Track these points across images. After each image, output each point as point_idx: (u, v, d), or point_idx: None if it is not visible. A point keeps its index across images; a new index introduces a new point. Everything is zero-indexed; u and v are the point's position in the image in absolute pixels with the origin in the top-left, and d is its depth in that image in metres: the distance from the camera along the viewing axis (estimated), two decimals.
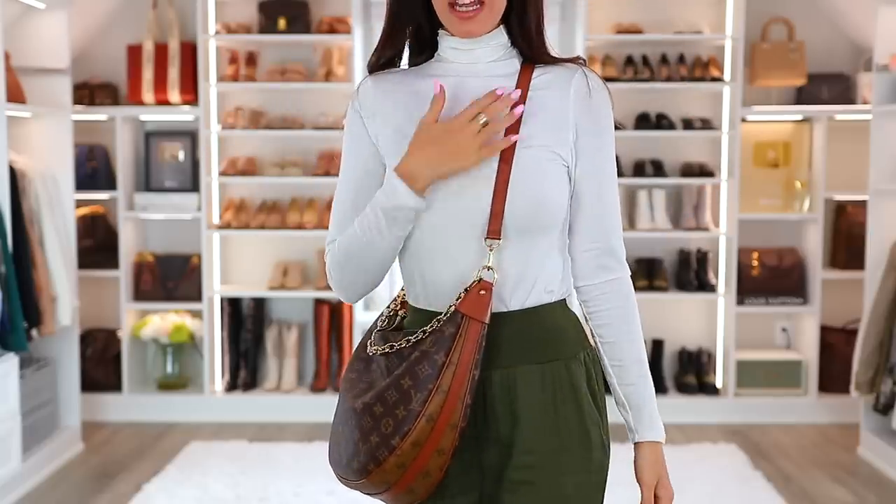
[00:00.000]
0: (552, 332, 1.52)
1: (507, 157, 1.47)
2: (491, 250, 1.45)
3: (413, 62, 1.60)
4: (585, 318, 1.58)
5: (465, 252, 1.48)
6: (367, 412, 1.45)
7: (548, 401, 1.49)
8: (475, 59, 1.54)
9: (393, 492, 1.46)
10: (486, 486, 1.52)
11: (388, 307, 1.59)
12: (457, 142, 1.43)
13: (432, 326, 1.45)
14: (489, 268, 1.45)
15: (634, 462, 1.55)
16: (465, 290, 1.45)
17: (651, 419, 1.55)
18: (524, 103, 1.47)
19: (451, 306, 1.45)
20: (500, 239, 1.45)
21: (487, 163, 1.47)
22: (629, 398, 1.55)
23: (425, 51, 1.59)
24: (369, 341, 1.53)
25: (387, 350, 1.48)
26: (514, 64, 1.55)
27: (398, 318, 1.57)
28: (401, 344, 1.47)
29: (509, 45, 1.55)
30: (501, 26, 1.54)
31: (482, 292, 1.44)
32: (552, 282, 1.53)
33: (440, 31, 1.56)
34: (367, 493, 1.49)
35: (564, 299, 1.56)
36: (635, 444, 1.55)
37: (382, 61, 1.59)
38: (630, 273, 1.57)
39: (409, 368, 1.44)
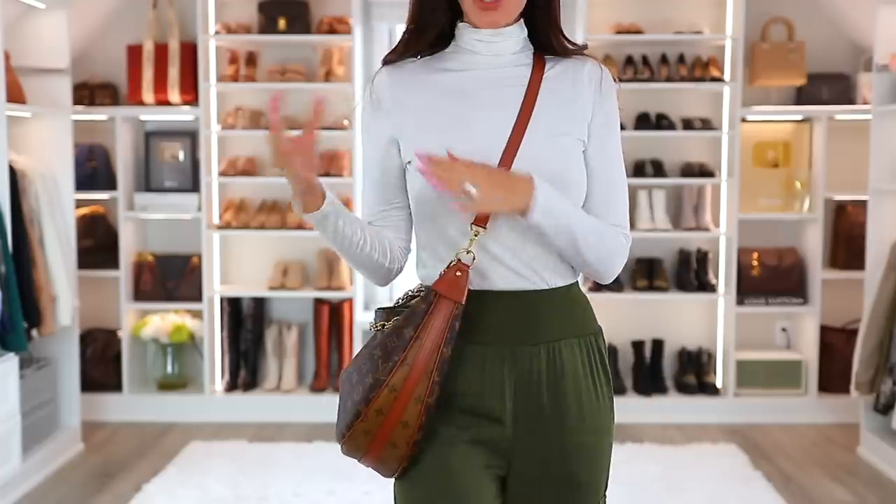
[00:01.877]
0: (582, 307, 1.63)
1: (507, 157, 1.52)
2: (475, 237, 1.51)
3: (426, 53, 1.62)
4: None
5: (452, 242, 1.55)
6: (347, 381, 1.55)
7: (587, 371, 1.59)
8: (498, 52, 1.59)
9: (369, 459, 1.54)
10: (520, 455, 1.56)
11: (408, 290, 1.64)
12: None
13: (411, 304, 1.53)
14: (469, 251, 1.51)
15: None
16: (444, 270, 1.52)
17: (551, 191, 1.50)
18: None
19: (429, 285, 1.53)
20: (485, 227, 1.51)
21: (490, 157, 1.51)
22: None
23: (440, 42, 1.62)
24: (373, 319, 1.62)
25: (378, 327, 1.57)
26: (528, 56, 1.61)
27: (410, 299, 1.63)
28: (390, 322, 1.55)
29: (526, 38, 1.62)
30: (521, 20, 1.60)
31: (458, 273, 1.51)
32: None
33: (460, 24, 1.60)
34: (356, 459, 1.56)
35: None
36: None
37: (401, 58, 1.62)
38: (630, 244, 1.63)
39: (382, 341, 1.52)
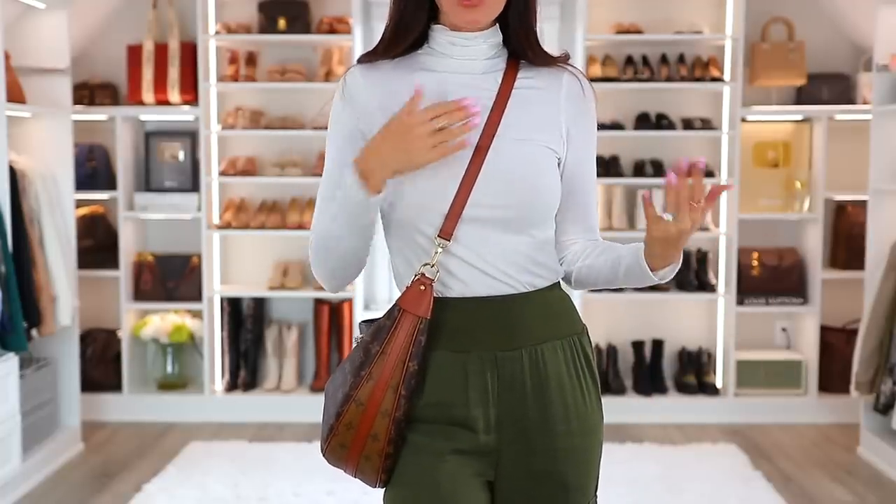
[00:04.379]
0: (564, 308, 1.61)
1: (475, 164, 1.50)
2: (440, 249, 1.51)
3: (402, 54, 1.60)
4: (571, 276, 1.64)
5: (422, 249, 1.54)
6: (326, 394, 1.58)
7: (572, 373, 1.58)
8: (471, 56, 1.57)
9: (350, 471, 1.57)
10: (507, 461, 1.55)
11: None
12: (410, 139, 1.44)
13: (378, 319, 1.54)
14: (432, 265, 1.51)
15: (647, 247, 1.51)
16: (409, 285, 1.52)
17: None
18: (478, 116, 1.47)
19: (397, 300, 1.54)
20: (449, 240, 1.51)
21: (458, 165, 1.50)
22: (624, 254, 1.56)
23: (416, 44, 1.59)
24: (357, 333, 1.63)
25: (358, 341, 1.57)
26: (502, 62, 1.59)
27: None
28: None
29: (501, 43, 1.59)
30: (497, 25, 1.57)
31: (422, 287, 1.51)
32: (554, 262, 1.61)
33: (434, 25, 1.57)
34: (344, 472, 1.59)
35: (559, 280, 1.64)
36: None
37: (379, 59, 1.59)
38: None
39: (350, 356, 1.54)
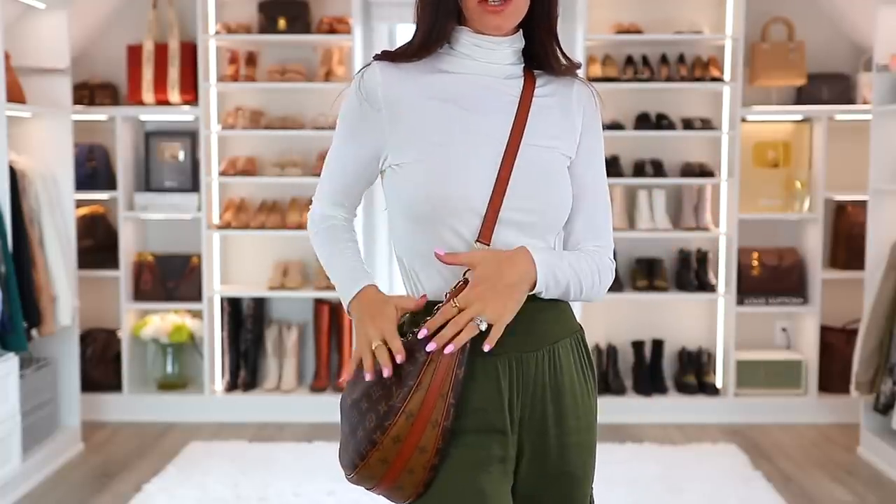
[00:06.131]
0: (566, 307, 1.63)
1: (506, 168, 1.51)
2: None
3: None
4: None
5: (460, 244, 1.53)
6: (356, 408, 1.49)
7: (579, 370, 1.61)
8: (495, 60, 1.58)
9: (383, 487, 1.50)
10: (525, 460, 1.56)
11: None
12: (370, 333, 1.48)
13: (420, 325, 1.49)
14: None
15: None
16: (452, 289, 1.49)
17: (556, 263, 1.54)
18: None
19: (437, 306, 1.49)
20: (489, 244, 1.50)
21: (489, 168, 1.51)
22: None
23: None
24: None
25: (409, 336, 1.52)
26: (520, 70, 1.61)
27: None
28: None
29: (521, 50, 1.61)
30: (520, 31, 1.60)
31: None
32: None
33: (458, 27, 1.58)
34: (365, 488, 1.53)
35: None
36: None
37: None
38: (615, 266, 1.66)
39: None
